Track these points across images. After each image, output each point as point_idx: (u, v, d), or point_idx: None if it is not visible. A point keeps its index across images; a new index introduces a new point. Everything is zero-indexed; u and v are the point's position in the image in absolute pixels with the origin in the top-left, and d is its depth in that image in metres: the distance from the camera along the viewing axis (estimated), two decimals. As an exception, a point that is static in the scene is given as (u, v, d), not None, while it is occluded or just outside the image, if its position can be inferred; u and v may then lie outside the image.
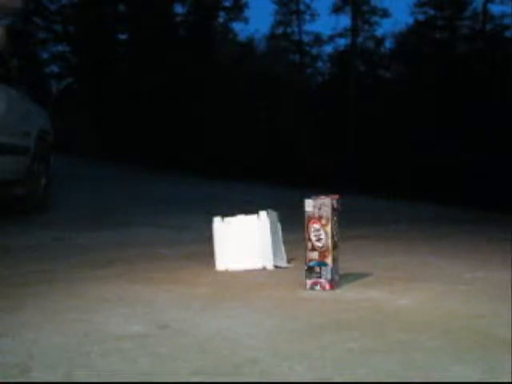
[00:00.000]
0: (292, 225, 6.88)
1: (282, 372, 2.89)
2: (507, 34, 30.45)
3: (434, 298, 4.79)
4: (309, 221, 5.27)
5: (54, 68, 37.30)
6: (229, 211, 6.69)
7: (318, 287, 5.09)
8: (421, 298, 4.75)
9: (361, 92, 29.12)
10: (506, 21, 30.17)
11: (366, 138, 26.33)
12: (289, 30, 41.82)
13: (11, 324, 3.86)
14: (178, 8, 39.26)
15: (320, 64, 42.09)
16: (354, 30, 35.65)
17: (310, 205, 5.27)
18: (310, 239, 5.26)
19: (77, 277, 5.60)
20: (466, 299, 4.70)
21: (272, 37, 42.00)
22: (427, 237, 9.48)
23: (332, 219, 5.22)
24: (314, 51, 41.72)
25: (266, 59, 38.30)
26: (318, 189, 9.86)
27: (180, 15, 38.40)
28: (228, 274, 5.91)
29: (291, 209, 6.95)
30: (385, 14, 36.71)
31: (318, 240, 5.22)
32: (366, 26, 37.01)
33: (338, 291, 5.03)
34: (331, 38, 39.39)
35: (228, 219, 6.51)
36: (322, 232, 5.22)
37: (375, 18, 36.88)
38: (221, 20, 40.97)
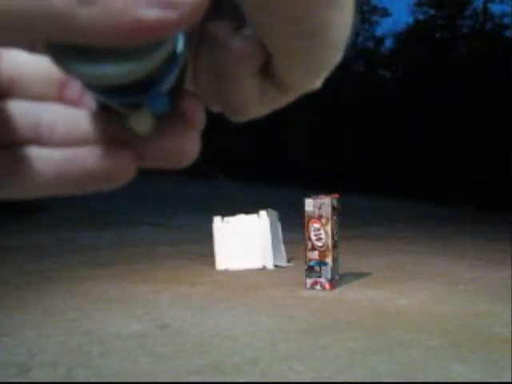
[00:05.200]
0: (291, 224, 6.90)
1: (282, 372, 2.90)
2: (507, 33, 30.59)
3: (434, 297, 4.79)
4: (309, 220, 5.28)
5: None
6: (229, 210, 6.70)
7: (318, 287, 5.09)
8: (421, 298, 4.75)
9: (360, 91, 29.16)
10: (506, 20, 30.30)
11: (367, 137, 26.40)
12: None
13: (12, 323, 3.86)
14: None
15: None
16: (353, 30, 35.71)
17: (310, 204, 5.27)
18: (310, 239, 5.26)
19: (77, 277, 5.60)
20: (466, 299, 4.70)
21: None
22: (427, 236, 9.48)
23: (332, 219, 5.22)
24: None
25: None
26: (317, 188, 9.87)
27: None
28: (228, 274, 5.91)
29: (290, 208, 6.97)
30: (385, 13, 36.80)
31: (318, 239, 5.22)
32: (366, 26, 37.10)
33: (338, 291, 5.04)
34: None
35: (228, 219, 6.52)
36: (322, 231, 5.22)
37: (375, 18, 36.96)
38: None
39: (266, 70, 0.26)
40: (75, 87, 0.24)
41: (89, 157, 0.23)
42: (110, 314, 4.10)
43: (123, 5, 0.19)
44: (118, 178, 0.23)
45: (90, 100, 0.24)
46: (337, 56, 0.26)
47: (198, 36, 0.25)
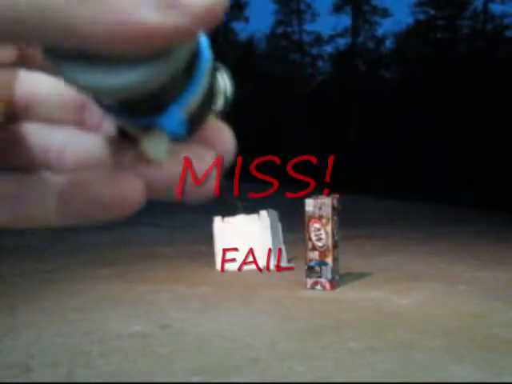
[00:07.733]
0: (292, 224, 6.89)
1: (282, 372, 2.90)
2: (508, 33, 30.60)
3: (434, 298, 4.79)
4: (309, 220, 5.28)
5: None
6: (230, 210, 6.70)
7: (318, 287, 5.09)
8: (421, 298, 4.75)
9: (360, 91, 29.19)
10: (507, 20, 30.32)
11: (367, 137, 26.43)
12: (289, 29, 41.88)
13: (12, 324, 3.86)
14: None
15: (320, 63, 42.22)
16: (354, 30, 35.69)
17: (310, 204, 5.27)
18: (310, 239, 5.27)
19: (77, 277, 5.60)
20: (466, 299, 4.70)
21: (272, 36, 42.07)
22: (427, 237, 9.48)
23: (332, 219, 5.22)
24: (315, 51, 41.82)
25: (267, 59, 38.36)
26: (318, 188, 9.87)
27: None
28: (228, 274, 5.91)
29: (291, 208, 6.97)
30: (385, 13, 36.81)
31: (319, 240, 5.22)
32: (367, 26, 37.09)
33: (338, 291, 5.04)
34: (332, 38, 39.49)
35: (228, 219, 6.52)
36: (322, 232, 5.22)
37: (376, 18, 36.96)
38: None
39: None
40: (96, 112, 0.23)
41: (94, 182, 0.21)
42: (110, 314, 4.11)
43: (124, 5, 0.17)
44: (124, 205, 0.21)
45: (110, 125, 0.23)
46: None
47: None
